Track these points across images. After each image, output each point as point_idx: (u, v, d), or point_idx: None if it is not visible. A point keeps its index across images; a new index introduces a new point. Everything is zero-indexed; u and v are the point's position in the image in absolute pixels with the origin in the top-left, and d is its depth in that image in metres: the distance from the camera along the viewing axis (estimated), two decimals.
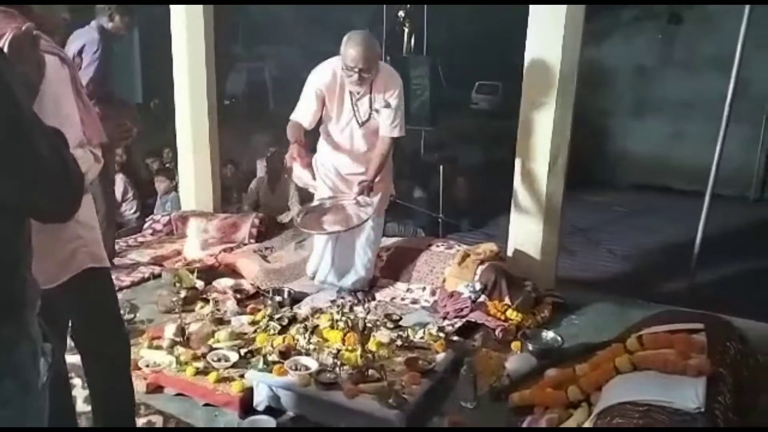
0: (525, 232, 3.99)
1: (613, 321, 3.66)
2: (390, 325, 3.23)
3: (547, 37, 3.72)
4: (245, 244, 4.59)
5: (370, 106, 3.47)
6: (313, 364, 2.76)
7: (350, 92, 3.45)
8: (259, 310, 3.51)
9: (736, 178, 5.65)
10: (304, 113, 3.46)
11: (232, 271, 4.20)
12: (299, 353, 2.88)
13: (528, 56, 3.84)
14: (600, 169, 7.05)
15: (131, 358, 2.35)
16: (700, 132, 6.95)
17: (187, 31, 4.91)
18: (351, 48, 3.25)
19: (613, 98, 7.23)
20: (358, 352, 2.84)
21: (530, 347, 3.20)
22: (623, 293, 4.20)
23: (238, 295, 3.75)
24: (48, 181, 1.18)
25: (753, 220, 6.09)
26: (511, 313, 3.46)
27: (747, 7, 3.90)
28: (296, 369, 2.74)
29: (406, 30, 7.74)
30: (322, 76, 3.43)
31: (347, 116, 3.52)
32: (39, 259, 1.86)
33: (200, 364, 2.89)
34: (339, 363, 2.78)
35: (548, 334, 3.33)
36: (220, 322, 3.37)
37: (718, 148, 4.09)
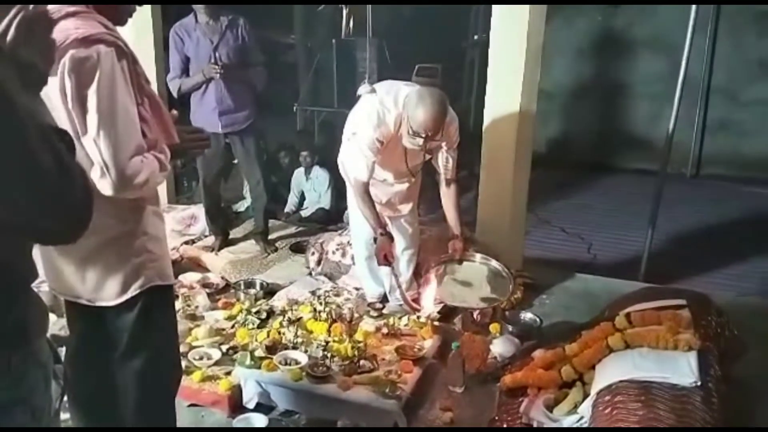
0: (493, 214, 4.03)
1: (580, 299, 3.78)
2: (373, 314, 3.20)
3: (512, 15, 3.65)
4: (206, 236, 4.42)
5: (430, 154, 3.12)
6: (303, 358, 2.70)
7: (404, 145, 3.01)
8: (233, 304, 3.41)
9: (674, 156, 5.87)
10: (368, 171, 2.98)
11: (196, 265, 4.06)
12: (286, 347, 2.82)
13: (494, 36, 3.78)
14: (544, 148, 7.19)
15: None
16: (638, 111, 7.24)
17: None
18: (421, 112, 2.77)
19: (554, 80, 7.35)
20: (347, 343, 2.81)
21: (510, 329, 3.25)
22: (581, 270, 4.32)
23: (207, 290, 3.62)
24: (47, 197, 1.01)
25: (691, 196, 6.38)
26: None
27: None
28: (286, 363, 2.68)
29: (345, 11, 7.62)
30: (383, 129, 2.92)
31: (396, 161, 3.13)
32: (100, 274, 1.74)
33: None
34: (329, 355, 2.73)
35: (527, 315, 3.40)
36: (193, 318, 3.27)
37: (670, 127, 4.24)
